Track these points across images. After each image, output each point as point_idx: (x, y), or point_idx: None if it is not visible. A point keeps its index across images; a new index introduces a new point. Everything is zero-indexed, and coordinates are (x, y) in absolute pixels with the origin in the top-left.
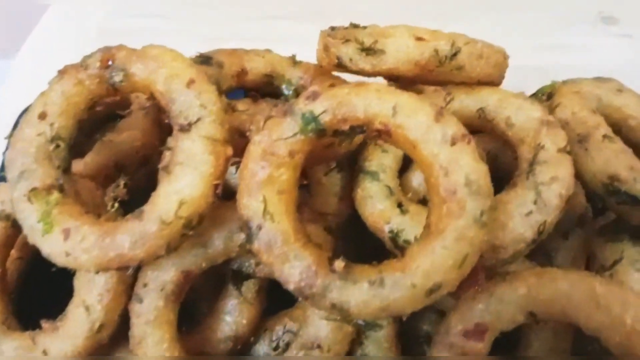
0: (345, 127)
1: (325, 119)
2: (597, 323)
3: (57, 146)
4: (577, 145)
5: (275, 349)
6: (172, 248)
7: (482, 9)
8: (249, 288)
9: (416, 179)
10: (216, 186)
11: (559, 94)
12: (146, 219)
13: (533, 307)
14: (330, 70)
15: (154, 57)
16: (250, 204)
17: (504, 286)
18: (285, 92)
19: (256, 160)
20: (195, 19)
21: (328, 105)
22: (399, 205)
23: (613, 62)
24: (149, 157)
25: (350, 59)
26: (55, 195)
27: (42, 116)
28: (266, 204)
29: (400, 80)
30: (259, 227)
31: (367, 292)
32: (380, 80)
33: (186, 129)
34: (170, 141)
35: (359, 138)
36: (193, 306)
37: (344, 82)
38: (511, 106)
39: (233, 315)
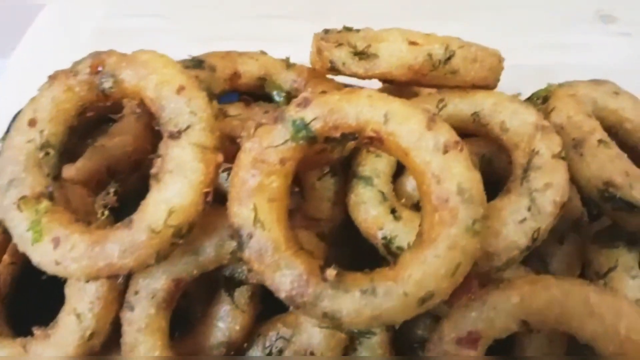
0: (337, 134)
1: (316, 126)
2: (590, 332)
3: (47, 153)
4: (572, 150)
5: (269, 355)
6: (162, 257)
7: (480, 7)
8: (242, 294)
9: (410, 183)
10: (206, 194)
11: (554, 98)
12: (135, 228)
13: (526, 316)
14: (324, 73)
15: (144, 63)
16: (240, 212)
17: (497, 294)
18: (277, 98)
19: (247, 168)
20: (192, 18)
21: (319, 113)
22: (393, 211)
23: (612, 60)
24: (141, 161)
25: (343, 63)
26: (45, 203)
27: (32, 123)
28: (257, 212)
29: (395, 82)
30: (250, 236)
31: (358, 301)
32: (376, 81)
33: (176, 136)
34: (161, 147)
35: (352, 143)
36: (186, 311)
37: (338, 84)
38: (506, 110)
39: (226, 321)
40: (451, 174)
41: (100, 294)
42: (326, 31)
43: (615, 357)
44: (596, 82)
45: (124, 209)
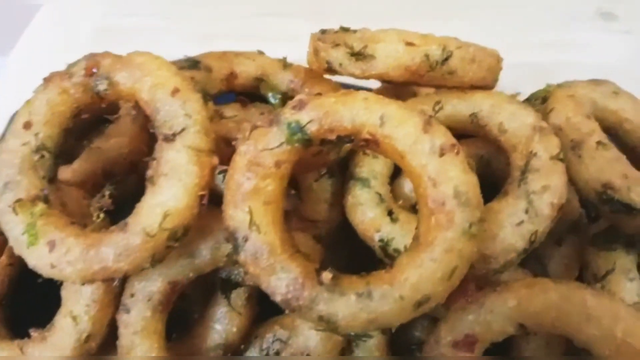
0: (332, 137)
1: (311, 128)
2: (587, 336)
3: (42, 156)
4: (570, 152)
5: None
6: (157, 260)
7: (480, 6)
8: (239, 296)
9: (408, 185)
10: (201, 197)
11: (553, 99)
12: (130, 232)
13: (523, 319)
14: (321, 73)
15: (138, 65)
16: (236, 215)
17: (494, 297)
18: (272, 100)
19: (242, 171)
20: (189, 17)
21: (314, 115)
22: (390, 213)
23: (613, 58)
24: (137, 163)
25: (340, 64)
26: (40, 206)
27: (27, 126)
28: (252, 215)
29: (393, 83)
30: (245, 239)
31: (354, 305)
32: (375, 80)
33: (171, 139)
34: (156, 150)
35: (348, 145)
36: (183, 313)
37: (336, 85)
38: (504, 112)
39: (223, 323)
40: (447, 177)
41: (96, 296)
42: (323, 31)
43: None
44: (595, 82)
45: (121, 210)
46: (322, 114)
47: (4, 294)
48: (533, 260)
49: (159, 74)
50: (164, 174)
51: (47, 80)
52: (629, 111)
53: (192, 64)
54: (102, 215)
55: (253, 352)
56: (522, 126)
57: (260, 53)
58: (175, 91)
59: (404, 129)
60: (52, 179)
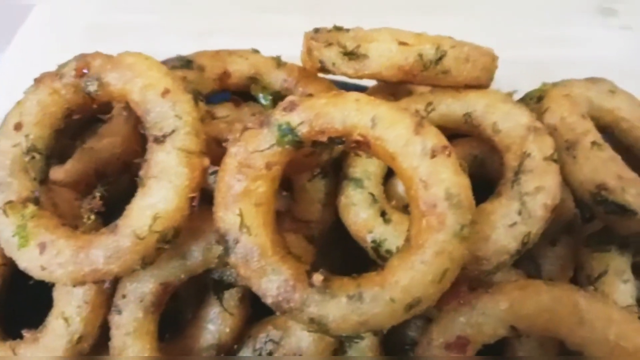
0: (323, 138)
1: (302, 130)
2: (580, 338)
3: (33, 157)
4: (565, 152)
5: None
6: (147, 262)
7: (477, 1)
8: (231, 296)
9: (401, 185)
10: (192, 199)
11: (548, 98)
12: (120, 234)
13: (515, 321)
14: (314, 72)
15: (129, 66)
16: (226, 217)
17: (486, 299)
18: (263, 101)
19: (232, 173)
20: (184, 14)
21: (305, 117)
22: (383, 213)
23: (612, 54)
24: (130, 163)
25: (333, 63)
26: (31, 208)
27: (18, 127)
28: (243, 217)
29: (387, 81)
30: (236, 241)
31: (345, 307)
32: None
33: (161, 140)
34: (147, 152)
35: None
36: (176, 314)
37: (330, 84)
38: (498, 111)
39: (215, 323)
40: (439, 179)
41: (88, 297)
42: (316, 30)
43: None
44: (591, 81)
45: (115, 210)
46: (313, 115)
47: None
48: (527, 260)
49: (150, 75)
50: (154, 175)
51: (38, 81)
52: (625, 110)
53: (184, 63)
54: (92, 217)
55: (246, 352)
56: (516, 126)
57: (255, 51)
58: (165, 92)
59: (395, 131)
60: (43, 180)
